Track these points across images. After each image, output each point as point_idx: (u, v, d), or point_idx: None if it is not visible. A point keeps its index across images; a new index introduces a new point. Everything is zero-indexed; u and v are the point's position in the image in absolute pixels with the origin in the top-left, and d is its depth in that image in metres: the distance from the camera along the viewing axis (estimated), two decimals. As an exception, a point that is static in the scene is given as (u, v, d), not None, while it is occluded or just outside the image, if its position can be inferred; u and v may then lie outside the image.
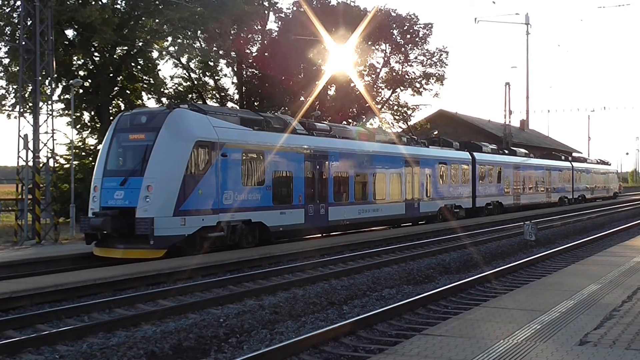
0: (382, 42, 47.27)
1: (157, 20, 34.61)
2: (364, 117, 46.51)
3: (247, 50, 42.24)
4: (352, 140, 25.99)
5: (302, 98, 41.49)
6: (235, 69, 42.72)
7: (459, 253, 19.40)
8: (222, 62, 41.82)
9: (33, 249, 20.24)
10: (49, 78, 23.92)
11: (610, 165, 71.20)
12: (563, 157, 56.80)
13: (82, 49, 33.61)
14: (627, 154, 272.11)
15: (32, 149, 22.86)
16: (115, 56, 35.27)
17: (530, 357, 6.44)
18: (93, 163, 23.49)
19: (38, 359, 8.83)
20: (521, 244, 21.95)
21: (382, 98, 48.60)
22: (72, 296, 12.95)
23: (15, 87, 30.62)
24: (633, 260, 13.97)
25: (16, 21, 28.62)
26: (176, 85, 41.91)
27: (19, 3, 26.14)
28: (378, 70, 48.25)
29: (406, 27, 46.98)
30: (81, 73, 34.80)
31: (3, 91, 32.25)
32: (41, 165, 23.19)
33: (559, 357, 6.41)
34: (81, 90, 33.52)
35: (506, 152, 44.05)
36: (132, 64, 36.37)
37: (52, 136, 23.55)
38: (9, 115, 31.75)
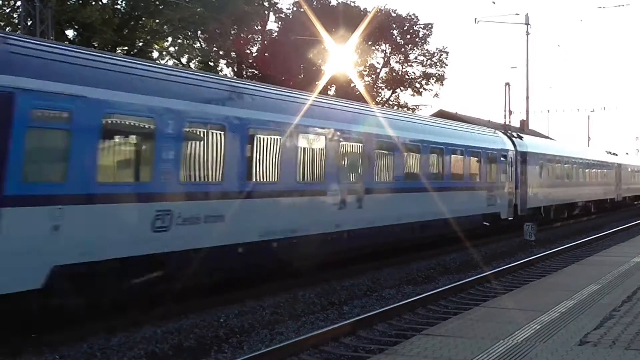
0: (382, 42, 47.30)
1: (157, 21, 34.65)
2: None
3: (247, 51, 42.28)
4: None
5: (302, 98, 41.45)
6: (236, 69, 42.74)
7: (459, 253, 19.37)
8: (222, 63, 41.92)
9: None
10: (49, 78, 23.90)
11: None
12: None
13: (82, 49, 33.62)
14: (627, 154, 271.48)
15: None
16: (115, 56, 35.28)
17: (530, 357, 6.44)
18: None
19: (38, 359, 8.83)
20: (521, 244, 21.94)
21: (382, 98, 48.62)
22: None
23: (15, 87, 30.61)
24: (633, 261, 13.97)
25: (16, 21, 28.61)
26: (176, 86, 41.92)
27: (19, 3, 26.14)
28: (378, 70, 48.32)
29: (406, 27, 47.03)
30: (81, 73, 34.79)
31: (3, 91, 32.28)
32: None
33: (559, 357, 6.41)
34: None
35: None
36: (132, 64, 36.36)
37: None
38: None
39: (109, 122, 10.02)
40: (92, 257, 9.49)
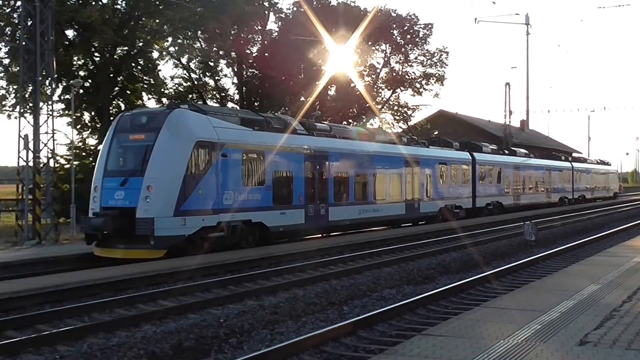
0: (382, 42, 47.29)
1: (157, 21, 34.65)
2: (364, 117, 46.53)
3: (248, 51, 42.25)
4: (353, 141, 25.99)
5: (302, 98, 41.50)
6: (236, 69, 42.74)
7: (459, 253, 19.40)
8: (223, 63, 41.91)
9: (33, 249, 20.25)
10: (49, 78, 23.92)
11: (610, 165, 71.12)
12: (563, 157, 56.72)
13: (82, 49, 33.63)
14: (627, 154, 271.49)
15: (32, 149, 22.86)
16: (115, 56, 35.28)
17: (530, 357, 6.44)
18: (93, 163, 23.46)
19: (38, 359, 8.84)
20: (521, 244, 21.95)
21: (382, 98, 48.63)
22: (73, 296, 12.95)
23: (15, 87, 30.63)
24: (633, 261, 13.97)
25: (16, 21, 28.62)
26: (176, 86, 41.98)
27: (19, 3, 26.17)
28: (378, 70, 48.31)
29: (406, 27, 47.02)
30: (81, 73, 34.81)
31: (3, 91, 32.36)
32: (41, 165, 23.19)
33: (559, 357, 6.41)
34: (81, 91, 33.51)
35: (506, 152, 44.05)
36: (133, 64, 36.38)
37: (53, 136, 23.56)
38: (9, 116, 31.80)
39: None
40: None
